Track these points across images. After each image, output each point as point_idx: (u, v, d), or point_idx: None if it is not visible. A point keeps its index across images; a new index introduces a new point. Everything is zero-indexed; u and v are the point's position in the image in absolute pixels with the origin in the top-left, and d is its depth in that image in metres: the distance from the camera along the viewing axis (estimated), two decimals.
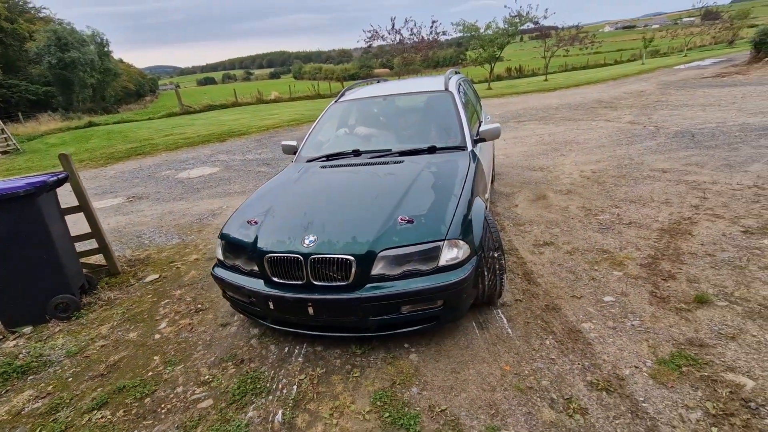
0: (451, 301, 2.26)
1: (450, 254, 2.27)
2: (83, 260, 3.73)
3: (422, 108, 4.06)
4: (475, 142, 3.39)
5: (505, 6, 22.95)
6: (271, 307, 2.36)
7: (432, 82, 4.34)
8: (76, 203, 3.62)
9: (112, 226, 5.35)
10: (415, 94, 4.25)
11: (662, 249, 3.28)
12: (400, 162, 3.14)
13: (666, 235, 3.50)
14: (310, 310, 2.27)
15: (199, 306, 3.18)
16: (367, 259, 2.22)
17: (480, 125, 3.90)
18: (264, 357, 2.49)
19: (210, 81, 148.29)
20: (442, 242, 2.25)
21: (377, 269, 2.24)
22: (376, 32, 18.90)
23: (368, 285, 2.24)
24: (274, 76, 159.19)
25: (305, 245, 2.30)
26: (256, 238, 2.47)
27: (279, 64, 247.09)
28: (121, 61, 64.08)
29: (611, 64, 41.08)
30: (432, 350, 2.40)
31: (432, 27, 18.94)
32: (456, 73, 4.98)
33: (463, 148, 3.28)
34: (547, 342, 2.35)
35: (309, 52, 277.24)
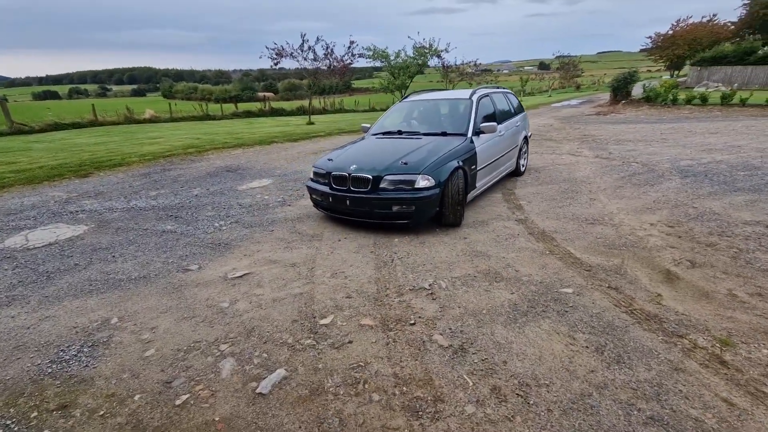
0: (419, 208, 4.12)
1: (422, 183, 4.11)
2: None
3: (450, 108, 5.83)
4: (476, 133, 5.07)
5: (408, 36, 22.89)
6: (330, 200, 4.53)
7: (462, 93, 5.95)
8: None
9: None
10: (447, 100, 6.03)
11: None
12: (419, 138, 5.08)
13: None
14: (347, 203, 4.37)
15: None
16: (377, 179, 4.17)
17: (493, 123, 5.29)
18: None
19: (52, 95, 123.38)
20: (418, 175, 4.12)
21: (383, 185, 4.18)
22: (283, 49, 16.53)
23: (377, 192, 4.18)
24: (138, 93, 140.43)
25: (350, 169, 4.35)
26: (329, 166, 4.62)
27: (144, 80, 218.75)
28: None
29: None
30: None
31: (349, 48, 17.39)
32: (497, 87, 6.83)
33: (464, 135, 5.01)
34: None
35: (180, 70, 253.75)
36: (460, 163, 4.44)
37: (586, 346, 2.39)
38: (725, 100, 17.68)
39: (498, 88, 6.79)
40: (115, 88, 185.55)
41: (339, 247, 4.13)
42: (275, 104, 28.35)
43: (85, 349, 2.61)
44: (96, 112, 18.82)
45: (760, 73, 28.80)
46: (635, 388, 2.05)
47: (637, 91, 25.17)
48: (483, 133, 5.07)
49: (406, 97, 6.52)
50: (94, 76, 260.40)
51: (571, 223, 4.50)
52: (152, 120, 20.11)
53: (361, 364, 2.35)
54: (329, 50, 16.67)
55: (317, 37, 16.39)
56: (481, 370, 2.24)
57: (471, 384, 2.13)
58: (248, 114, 23.69)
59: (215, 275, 3.60)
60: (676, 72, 50.63)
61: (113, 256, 4.06)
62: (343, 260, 3.80)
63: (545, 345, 2.42)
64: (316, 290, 3.25)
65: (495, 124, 5.11)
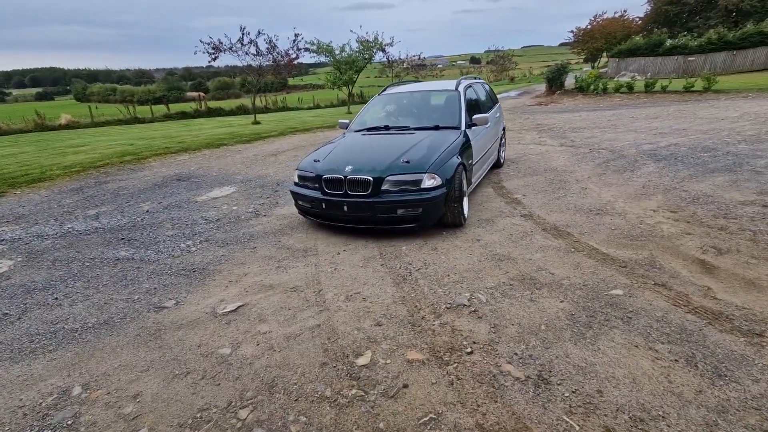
0: (426, 209, 3.77)
1: (428, 182, 3.78)
2: None
3: (437, 101, 5.56)
4: (468, 126, 4.81)
5: (351, 30, 22.25)
6: (323, 207, 4.04)
7: (447, 84, 5.71)
8: None
9: None
10: (433, 92, 5.74)
11: None
12: (412, 133, 4.68)
13: None
14: (345, 208, 3.89)
15: None
16: (379, 180, 3.78)
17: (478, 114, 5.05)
18: None
19: None
20: (424, 174, 3.78)
21: (385, 187, 3.79)
22: (221, 43, 15.21)
23: (379, 195, 3.77)
24: (44, 96, 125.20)
25: (345, 171, 3.89)
26: (317, 169, 4.13)
27: (50, 83, 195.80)
28: None
29: None
30: None
31: (295, 41, 16.38)
32: (475, 78, 6.57)
33: (457, 128, 4.74)
34: None
35: (94, 70, 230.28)
36: (460, 158, 4.20)
37: (675, 360, 2.12)
38: (648, 88, 19.18)
39: (476, 78, 6.61)
40: (15, 92, 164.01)
41: (341, 261, 3.60)
42: (212, 104, 26.45)
43: None
44: None
45: (668, 63, 31.81)
46: (758, 407, 1.80)
47: (569, 81, 26.62)
48: (475, 125, 4.87)
49: (384, 90, 6.17)
50: None
51: (578, 215, 4.32)
52: (70, 126, 17.74)
53: (432, 415, 1.88)
54: (272, 44, 15.59)
55: (258, 31, 15.19)
56: (579, 406, 1.87)
57: (578, 428, 1.76)
58: (183, 115, 21.82)
59: (200, 311, 2.92)
60: (595, 64, 54.71)
61: (56, 298, 3.20)
62: (353, 278, 3.28)
63: (631, 363, 2.12)
64: (335, 319, 2.72)
65: (487, 115, 4.94)
